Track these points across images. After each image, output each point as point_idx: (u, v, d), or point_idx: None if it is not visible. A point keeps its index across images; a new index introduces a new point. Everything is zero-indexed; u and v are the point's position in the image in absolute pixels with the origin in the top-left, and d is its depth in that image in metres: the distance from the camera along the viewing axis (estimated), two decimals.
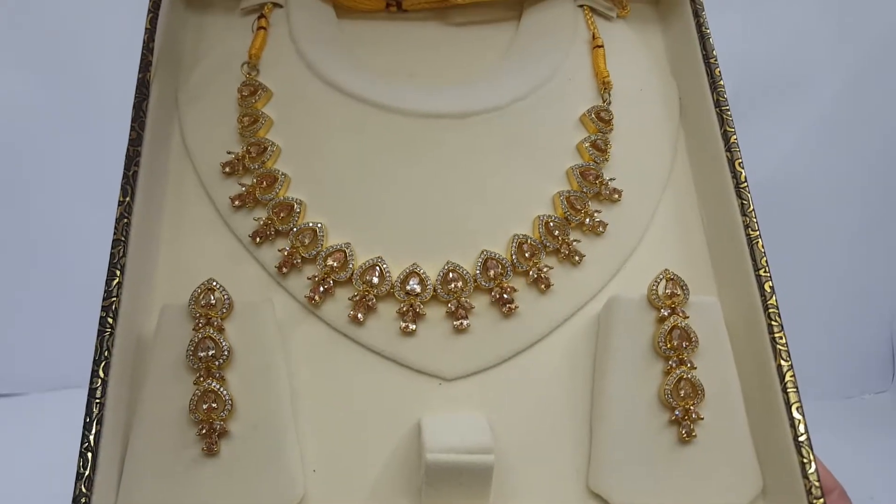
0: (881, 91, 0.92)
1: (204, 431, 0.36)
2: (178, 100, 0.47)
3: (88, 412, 0.36)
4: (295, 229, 0.42)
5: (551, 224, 0.42)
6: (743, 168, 0.44)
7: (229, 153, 0.44)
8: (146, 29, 0.46)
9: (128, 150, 0.42)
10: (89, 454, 0.35)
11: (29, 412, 0.87)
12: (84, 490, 0.35)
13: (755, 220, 0.42)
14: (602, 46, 0.48)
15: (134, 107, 0.43)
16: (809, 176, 0.94)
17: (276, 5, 0.49)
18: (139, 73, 0.44)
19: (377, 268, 0.41)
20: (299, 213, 0.42)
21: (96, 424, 0.36)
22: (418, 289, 0.40)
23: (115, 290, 0.38)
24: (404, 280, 0.41)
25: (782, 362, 0.39)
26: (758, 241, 0.42)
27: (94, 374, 0.37)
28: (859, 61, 0.92)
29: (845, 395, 0.98)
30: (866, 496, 0.82)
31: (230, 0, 0.50)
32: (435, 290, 0.41)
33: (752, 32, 0.89)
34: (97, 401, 0.36)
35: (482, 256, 0.41)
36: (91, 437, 0.36)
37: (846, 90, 0.92)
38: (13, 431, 0.84)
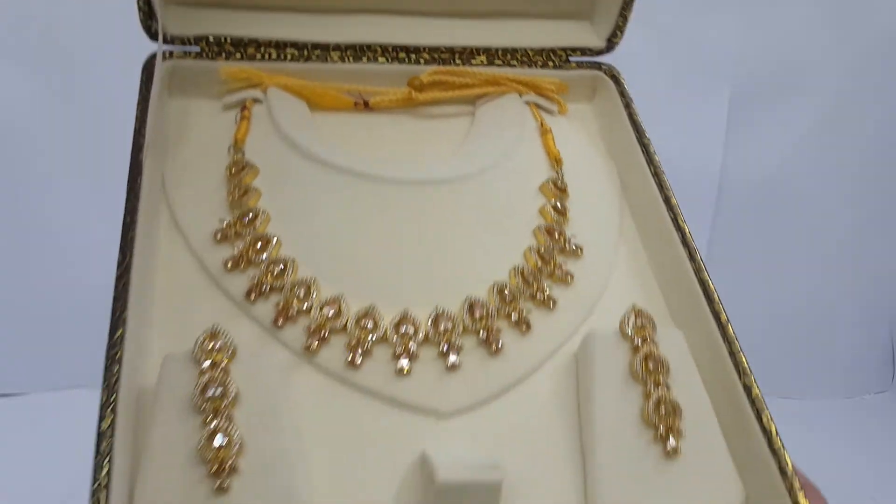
0: (881, 91, 0.93)
1: (214, 469, 0.37)
2: (165, 180, 0.49)
3: (98, 452, 0.36)
4: (288, 285, 0.44)
5: (526, 272, 0.46)
6: (686, 223, 0.50)
7: (221, 220, 0.46)
8: (136, 116, 0.49)
9: (125, 218, 0.44)
10: (102, 494, 0.35)
11: (29, 412, 0.84)
12: None
13: (703, 263, 0.48)
14: (550, 131, 0.55)
15: (129, 181, 0.46)
16: (809, 175, 0.94)
17: (255, 101, 0.53)
18: (132, 153, 0.47)
19: (371, 314, 0.43)
20: (292, 270, 0.44)
21: (108, 464, 0.36)
22: (411, 331, 0.43)
23: (118, 341, 0.39)
24: (398, 324, 0.43)
25: (746, 381, 0.43)
26: (708, 282, 0.47)
27: (102, 417, 0.37)
28: (858, 62, 0.92)
29: (845, 395, 0.97)
30: (866, 496, 0.82)
31: (211, 90, 0.54)
32: (426, 333, 0.43)
33: (752, 32, 0.90)
34: (108, 441, 0.36)
35: (467, 301, 0.45)
36: (102, 476, 0.35)
37: (846, 90, 0.93)
38: (13, 431, 0.80)
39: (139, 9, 0.51)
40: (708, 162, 0.93)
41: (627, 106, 0.57)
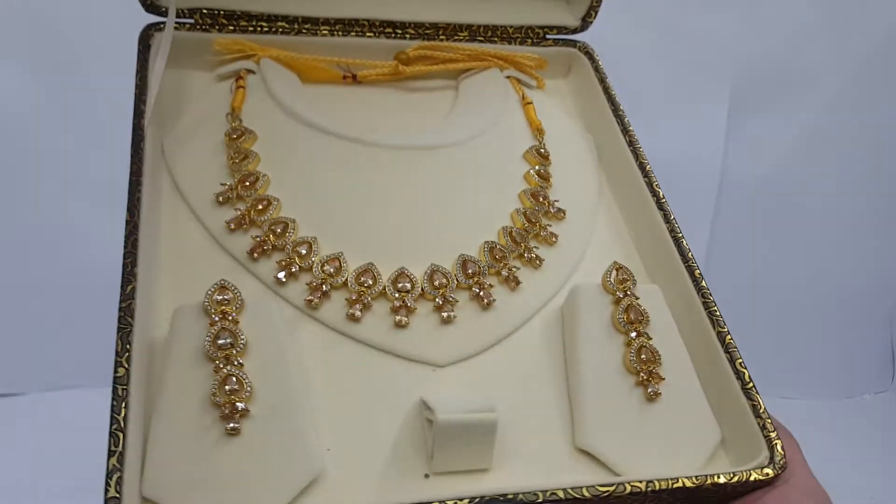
0: (882, 90, 0.94)
1: (227, 412, 0.39)
2: (164, 146, 0.51)
3: (115, 397, 0.38)
4: (290, 244, 0.46)
5: (514, 233, 0.49)
6: (660, 188, 0.53)
7: (223, 184, 0.48)
8: (136, 84, 0.51)
9: (130, 179, 0.46)
10: (120, 434, 0.37)
11: (29, 412, 0.85)
12: (117, 464, 0.36)
13: (677, 224, 0.51)
14: (531, 103, 0.57)
15: (132, 146, 0.47)
16: (810, 174, 0.95)
17: (249, 71, 0.55)
18: (134, 118, 0.49)
19: (370, 271, 0.46)
20: (293, 230, 0.47)
21: (124, 408, 0.37)
22: (409, 286, 0.45)
23: (130, 294, 0.41)
24: (395, 280, 0.46)
25: (720, 329, 0.46)
26: (682, 241, 0.50)
27: (119, 364, 0.39)
28: (859, 61, 0.93)
29: (845, 395, 0.99)
30: (866, 496, 0.83)
31: (204, 61, 0.56)
32: (422, 289, 0.46)
33: (753, 32, 0.90)
34: (124, 387, 0.38)
35: (460, 259, 0.47)
36: (120, 419, 0.37)
37: (847, 89, 0.94)
38: (13, 431, 0.81)
39: None
40: (708, 161, 0.94)
41: (602, 81, 0.60)
